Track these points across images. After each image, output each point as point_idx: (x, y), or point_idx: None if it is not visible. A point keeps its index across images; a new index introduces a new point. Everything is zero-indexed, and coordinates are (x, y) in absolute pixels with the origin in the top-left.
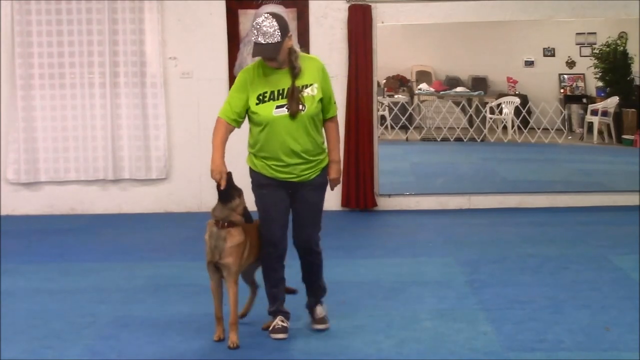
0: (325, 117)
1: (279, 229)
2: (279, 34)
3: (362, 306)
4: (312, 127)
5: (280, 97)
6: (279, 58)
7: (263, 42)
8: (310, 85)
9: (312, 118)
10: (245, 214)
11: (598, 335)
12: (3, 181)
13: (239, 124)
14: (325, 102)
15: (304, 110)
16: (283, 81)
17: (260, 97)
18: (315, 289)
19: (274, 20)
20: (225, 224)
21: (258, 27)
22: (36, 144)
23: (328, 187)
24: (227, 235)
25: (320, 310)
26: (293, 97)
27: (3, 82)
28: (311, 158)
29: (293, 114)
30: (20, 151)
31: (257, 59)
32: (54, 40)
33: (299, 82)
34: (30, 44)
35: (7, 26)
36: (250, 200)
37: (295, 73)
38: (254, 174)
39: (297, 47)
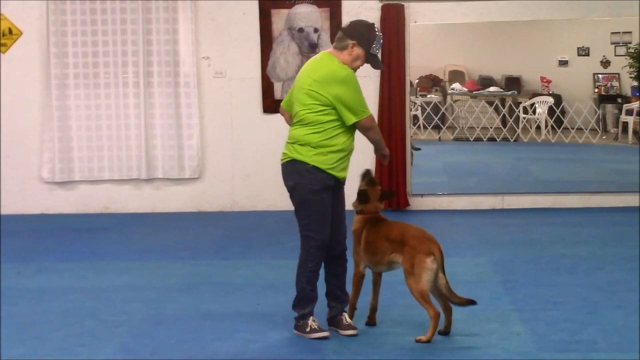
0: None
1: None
2: None
3: (395, 306)
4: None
5: None
6: None
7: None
8: None
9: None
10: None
11: (633, 337)
12: (38, 180)
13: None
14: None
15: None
16: None
17: None
18: (340, 297)
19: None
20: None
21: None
22: (71, 143)
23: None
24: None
25: (346, 317)
26: None
27: (38, 82)
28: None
29: None
30: (55, 150)
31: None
32: (88, 40)
33: None
34: (65, 43)
35: (42, 26)
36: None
37: None
38: None
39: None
